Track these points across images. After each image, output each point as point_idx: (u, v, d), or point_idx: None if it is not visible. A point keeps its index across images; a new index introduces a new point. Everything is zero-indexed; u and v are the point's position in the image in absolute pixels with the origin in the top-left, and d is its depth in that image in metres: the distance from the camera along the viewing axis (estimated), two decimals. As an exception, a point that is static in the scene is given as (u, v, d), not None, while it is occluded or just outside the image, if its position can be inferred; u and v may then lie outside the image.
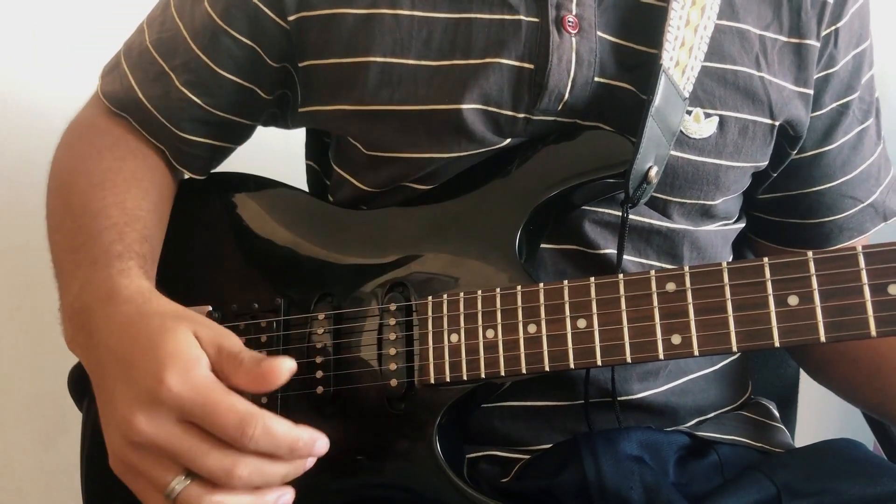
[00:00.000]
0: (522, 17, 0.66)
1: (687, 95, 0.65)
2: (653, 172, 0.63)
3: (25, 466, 1.05)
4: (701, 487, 0.68)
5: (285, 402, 0.69)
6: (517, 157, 0.68)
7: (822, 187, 0.77)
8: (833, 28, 0.71)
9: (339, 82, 0.69)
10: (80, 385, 0.79)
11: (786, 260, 0.54)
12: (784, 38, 0.70)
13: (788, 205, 0.78)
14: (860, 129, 0.76)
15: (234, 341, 0.57)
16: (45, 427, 1.02)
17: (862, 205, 0.78)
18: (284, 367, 0.55)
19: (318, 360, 0.68)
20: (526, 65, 0.66)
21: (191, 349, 0.56)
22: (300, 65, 0.71)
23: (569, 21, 0.66)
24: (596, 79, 0.66)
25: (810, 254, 0.53)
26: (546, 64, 0.65)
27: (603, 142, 0.66)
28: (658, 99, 0.63)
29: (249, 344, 0.70)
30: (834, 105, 0.74)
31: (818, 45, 0.71)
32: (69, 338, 0.65)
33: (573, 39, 0.66)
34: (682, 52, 0.65)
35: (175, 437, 0.54)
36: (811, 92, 0.72)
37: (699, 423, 0.75)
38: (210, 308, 0.73)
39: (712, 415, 0.76)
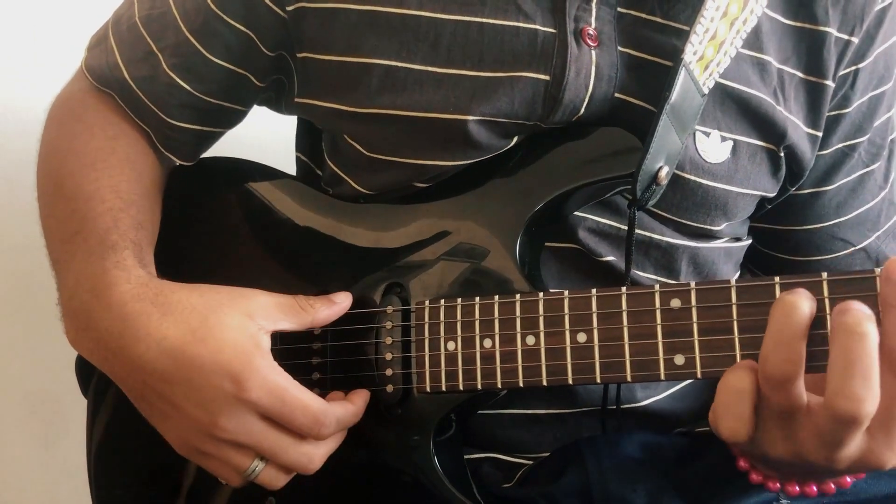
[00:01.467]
0: (538, 27, 0.62)
1: (706, 91, 0.62)
2: (663, 173, 0.60)
3: (25, 466, 1.06)
4: (702, 490, 0.66)
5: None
6: (521, 155, 0.65)
7: (814, 227, 0.74)
8: (853, 68, 0.68)
9: (338, 81, 0.66)
10: (87, 370, 0.78)
11: (798, 280, 0.51)
12: (801, 75, 0.67)
13: (778, 238, 0.75)
14: (863, 173, 0.73)
15: (287, 301, 0.62)
16: (45, 427, 1.03)
17: (853, 248, 0.74)
18: (347, 303, 0.64)
19: (315, 361, 0.66)
20: (541, 76, 0.62)
21: (254, 349, 0.58)
22: (298, 55, 0.68)
23: (588, 33, 0.62)
24: (616, 94, 0.63)
25: (825, 275, 0.50)
26: (563, 76, 0.61)
27: (611, 140, 0.62)
28: (675, 96, 0.59)
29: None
30: (840, 145, 0.71)
31: (833, 85, 0.67)
32: (72, 338, 0.64)
33: (593, 52, 0.62)
34: (710, 47, 0.61)
35: (258, 434, 0.59)
36: (820, 134, 0.68)
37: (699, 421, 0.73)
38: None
39: None
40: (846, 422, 0.46)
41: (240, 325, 0.58)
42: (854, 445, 0.48)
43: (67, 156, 0.71)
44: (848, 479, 0.54)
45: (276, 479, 0.61)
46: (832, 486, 0.55)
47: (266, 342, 0.59)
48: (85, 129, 0.73)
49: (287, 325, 0.61)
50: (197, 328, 0.58)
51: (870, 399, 0.46)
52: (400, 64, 0.64)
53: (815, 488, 0.55)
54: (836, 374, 0.46)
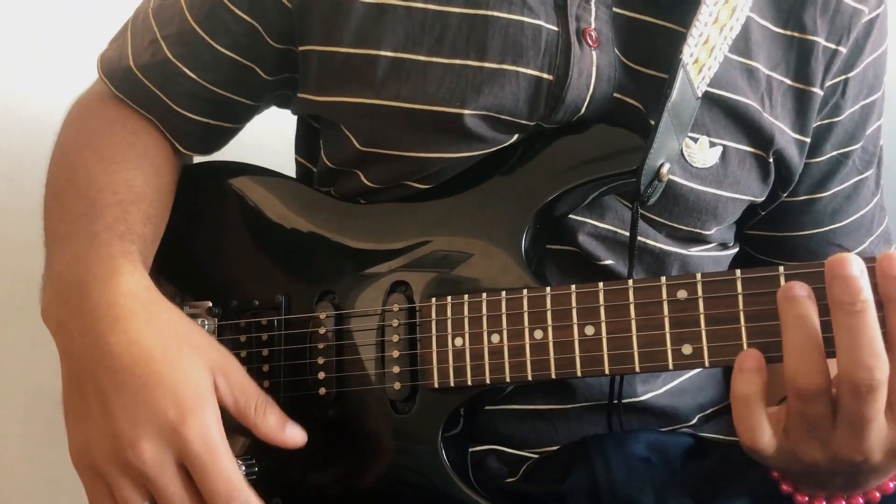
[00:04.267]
0: (543, 24, 0.64)
1: (700, 95, 0.63)
2: (664, 169, 0.62)
3: (25, 466, 1.05)
4: (708, 489, 0.67)
5: (288, 402, 0.68)
6: (523, 152, 0.66)
7: (809, 233, 0.75)
8: (843, 77, 0.70)
9: (343, 74, 0.66)
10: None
11: (802, 270, 0.52)
12: (789, 82, 0.68)
13: (773, 245, 0.77)
14: (858, 180, 0.75)
15: (252, 389, 0.61)
16: (45, 427, 1.02)
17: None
18: (301, 439, 0.61)
19: (321, 360, 0.66)
20: (545, 76, 0.63)
21: (210, 398, 0.58)
22: (300, 48, 0.68)
23: (590, 34, 0.64)
24: (615, 94, 0.65)
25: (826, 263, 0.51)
26: (566, 77, 0.63)
27: (613, 138, 0.64)
28: (675, 94, 0.61)
29: (250, 342, 0.69)
30: (834, 153, 0.73)
31: (821, 93, 0.69)
32: (45, 305, 0.63)
33: (594, 53, 0.64)
34: (703, 51, 0.62)
35: (168, 477, 0.57)
36: (808, 140, 0.70)
37: (703, 419, 0.74)
38: (210, 304, 0.71)
39: (711, 410, 0.75)
40: (863, 393, 0.48)
41: (205, 374, 0.59)
42: (879, 428, 0.50)
43: (85, 149, 0.71)
44: (891, 485, 0.55)
45: None
46: (877, 494, 0.56)
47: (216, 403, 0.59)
48: (105, 124, 0.73)
49: (229, 404, 0.60)
50: (169, 350, 0.58)
51: (880, 366, 0.48)
52: (405, 55, 0.64)
53: (860, 500, 0.56)
54: (844, 350, 0.49)
